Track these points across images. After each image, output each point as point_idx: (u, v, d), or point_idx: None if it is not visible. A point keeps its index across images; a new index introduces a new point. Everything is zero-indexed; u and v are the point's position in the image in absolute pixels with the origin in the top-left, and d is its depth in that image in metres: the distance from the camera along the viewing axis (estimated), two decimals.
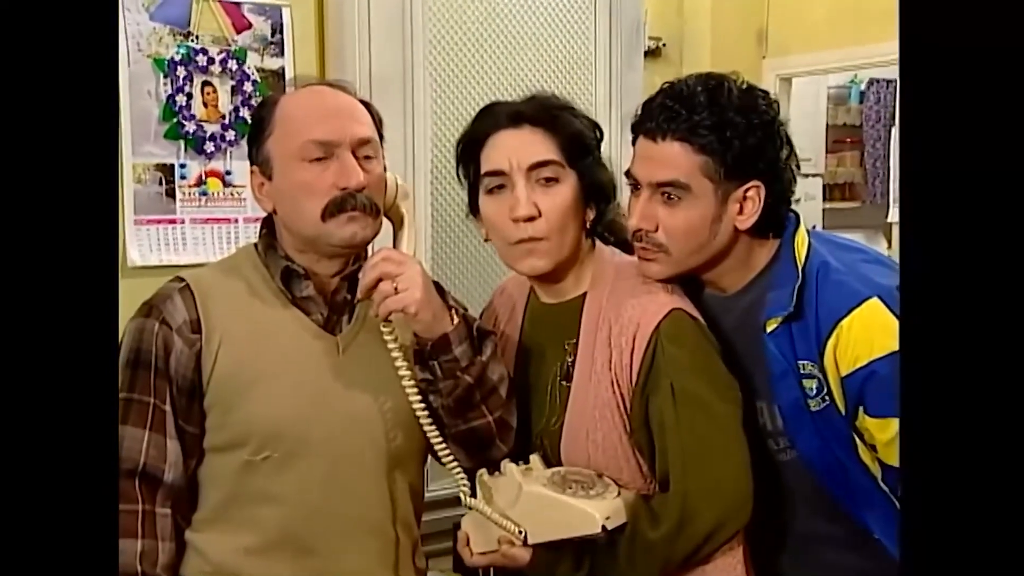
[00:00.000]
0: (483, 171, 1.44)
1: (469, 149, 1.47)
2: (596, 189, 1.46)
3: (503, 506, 1.37)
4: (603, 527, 1.30)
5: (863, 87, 6.24)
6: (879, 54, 4.29)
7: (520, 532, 1.34)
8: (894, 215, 4.22)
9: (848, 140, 6.29)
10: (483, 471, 1.42)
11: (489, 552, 1.39)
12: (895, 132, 4.23)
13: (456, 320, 1.38)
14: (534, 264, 1.43)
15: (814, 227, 1.48)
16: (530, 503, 1.35)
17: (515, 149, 1.42)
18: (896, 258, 1.49)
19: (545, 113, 1.44)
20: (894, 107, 4.85)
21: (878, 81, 6.07)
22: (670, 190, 1.37)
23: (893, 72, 4.54)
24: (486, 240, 1.50)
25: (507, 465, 1.39)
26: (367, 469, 1.41)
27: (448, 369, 1.37)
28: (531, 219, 1.40)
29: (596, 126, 1.50)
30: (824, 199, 5.70)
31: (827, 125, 5.89)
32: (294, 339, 1.40)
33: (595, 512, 1.31)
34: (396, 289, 1.33)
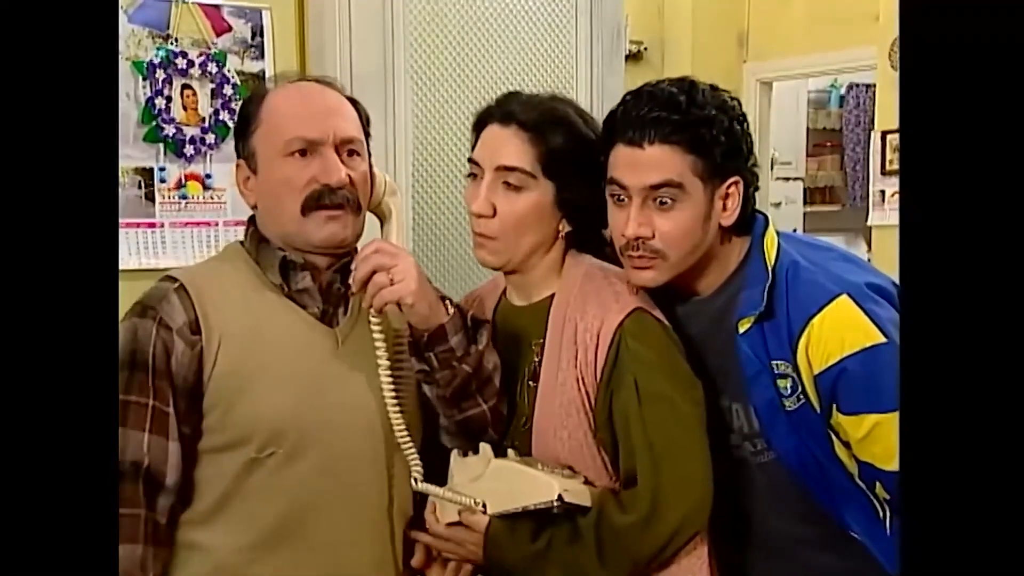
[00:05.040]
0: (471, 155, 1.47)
1: (475, 128, 1.50)
2: (572, 205, 1.45)
3: (469, 479, 1.39)
4: (560, 496, 1.31)
5: (843, 91, 6.30)
6: (858, 58, 4.32)
7: (479, 503, 1.36)
8: (874, 218, 4.25)
9: (828, 144, 6.35)
10: (456, 450, 1.43)
11: (452, 523, 1.40)
12: (874, 136, 4.26)
13: (451, 310, 1.38)
14: (483, 257, 1.47)
15: (795, 230, 1.49)
16: (496, 474, 1.37)
17: (492, 146, 1.44)
18: (875, 262, 1.50)
19: (536, 120, 1.42)
20: (873, 111, 4.89)
21: (857, 85, 6.12)
22: (664, 192, 1.37)
23: (872, 76, 4.58)
24: None
25: (483, 446, 1.40)
26: (369, 461, 1.40)
27: (444, 360, 1.37)
28: (483, 216, 1.43)
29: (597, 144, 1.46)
30: (804, 203, 5.75)
31: (807, 129, 5.94)
32: (293, 333, 1.39)
33: (554, 482, 1.33)
34: (391, 281, 1.33)
